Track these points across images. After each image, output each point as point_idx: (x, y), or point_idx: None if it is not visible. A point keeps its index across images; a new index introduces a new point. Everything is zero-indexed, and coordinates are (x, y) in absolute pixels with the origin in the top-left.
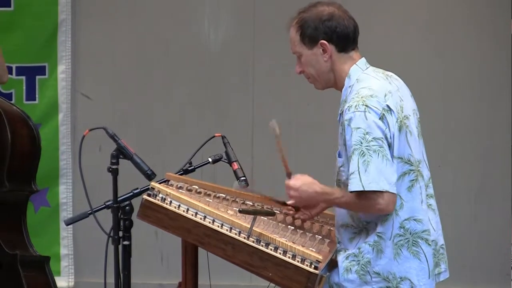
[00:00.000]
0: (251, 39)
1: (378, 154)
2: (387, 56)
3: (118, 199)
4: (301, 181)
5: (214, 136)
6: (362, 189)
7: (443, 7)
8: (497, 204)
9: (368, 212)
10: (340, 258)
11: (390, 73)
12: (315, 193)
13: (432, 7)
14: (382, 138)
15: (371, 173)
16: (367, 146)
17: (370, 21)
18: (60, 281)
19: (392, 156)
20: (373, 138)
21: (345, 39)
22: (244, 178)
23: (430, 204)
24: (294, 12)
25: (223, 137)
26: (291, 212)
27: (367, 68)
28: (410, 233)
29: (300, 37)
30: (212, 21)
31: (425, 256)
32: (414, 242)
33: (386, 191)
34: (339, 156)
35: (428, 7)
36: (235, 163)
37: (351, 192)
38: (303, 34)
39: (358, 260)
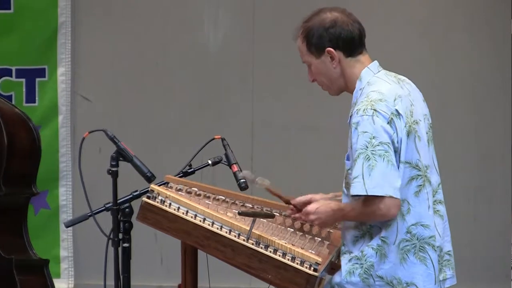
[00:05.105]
0: (251, 40)
1: (384, 158)
2: (387, 56)
3: (118, 201)
4: (317, 204)
5: (213, 138)
6: (365, 193)
7: (443, 7)
8: (496, 204)
9: (372, 219)
10: (344, 260)
11: (402, 77)
12: (332, 211)
13: (432, 7)
14: (389, 143)
15: (375, 178)
16: (372, 150)
17: (369, 21)
18: (60, 283)
19: (399, 161)
20: (379, 142)
21: (351, 44)
22: (244, 180)
23: (438, 210)
24: (297, 18)
25: (222, 139)
26: (290, 211)
27: (379, 71)
28: (417, 239)
29: (307, 47)
30: (211, 21)
31: (432, 262)
32: (421, 247)
33: (389, 196)
34: (348, 159)
35: (427, 7)
36: (234, 165)
37: (352, 196)
38: (309, 44)
39: (361, 264)
